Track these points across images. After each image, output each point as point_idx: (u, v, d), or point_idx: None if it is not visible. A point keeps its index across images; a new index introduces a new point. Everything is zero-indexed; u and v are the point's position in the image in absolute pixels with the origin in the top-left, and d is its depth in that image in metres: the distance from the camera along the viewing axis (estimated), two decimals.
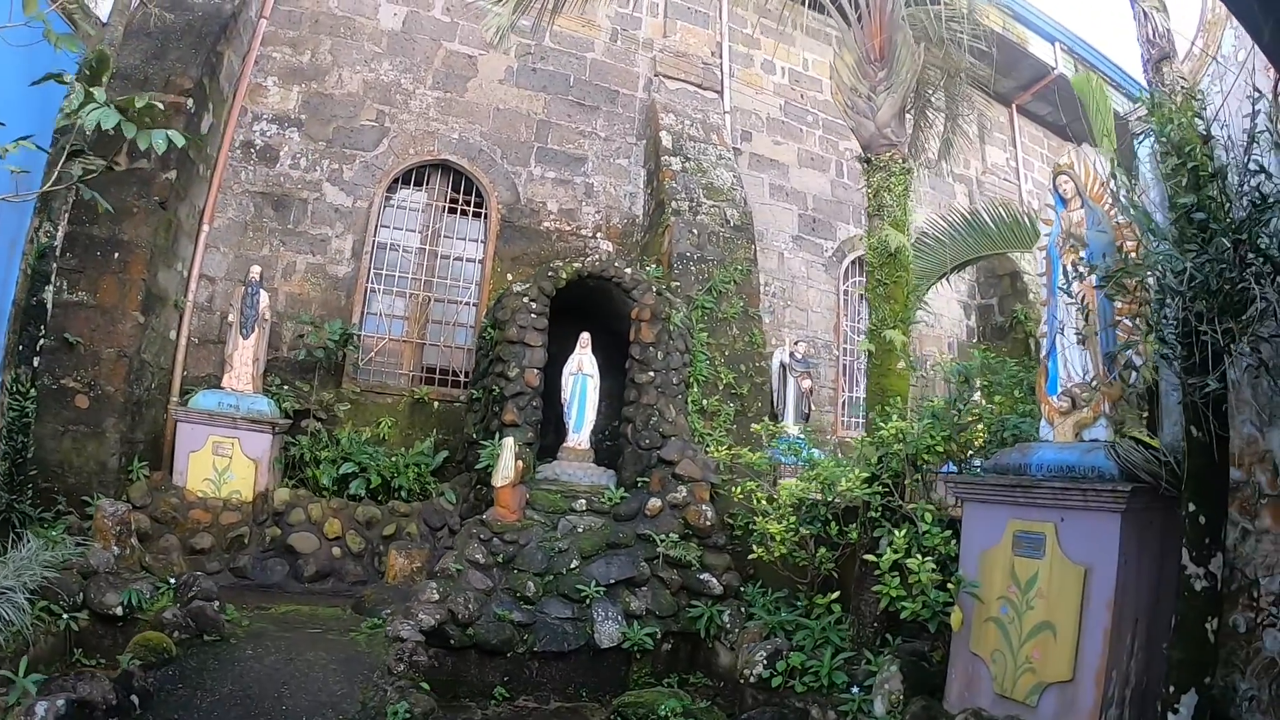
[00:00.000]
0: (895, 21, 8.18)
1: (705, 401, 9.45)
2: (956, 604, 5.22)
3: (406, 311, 10.13)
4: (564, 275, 8.88)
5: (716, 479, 8.12)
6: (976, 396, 7.04)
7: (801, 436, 10.59)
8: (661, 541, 7.71)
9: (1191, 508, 3.87)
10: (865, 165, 8.30)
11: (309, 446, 8.78)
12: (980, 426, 6.40)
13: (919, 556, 5.43)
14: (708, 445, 9.03)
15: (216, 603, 6.73)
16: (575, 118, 11.07)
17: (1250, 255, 3.55)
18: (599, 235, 10.63)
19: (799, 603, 6.92)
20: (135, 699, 5.09)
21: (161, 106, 7.55)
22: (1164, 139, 4.02)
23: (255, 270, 8.85)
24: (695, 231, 10.04)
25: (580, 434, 8.97)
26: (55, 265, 7.51)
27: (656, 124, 10.99)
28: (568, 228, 10.67)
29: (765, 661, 6.29)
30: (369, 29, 10.31)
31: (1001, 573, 5.01)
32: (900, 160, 8.20)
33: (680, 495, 8.15)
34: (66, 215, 7.63)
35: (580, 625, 7.27)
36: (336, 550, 8.45)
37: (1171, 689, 3.85)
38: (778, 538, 6.91)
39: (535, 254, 10.01)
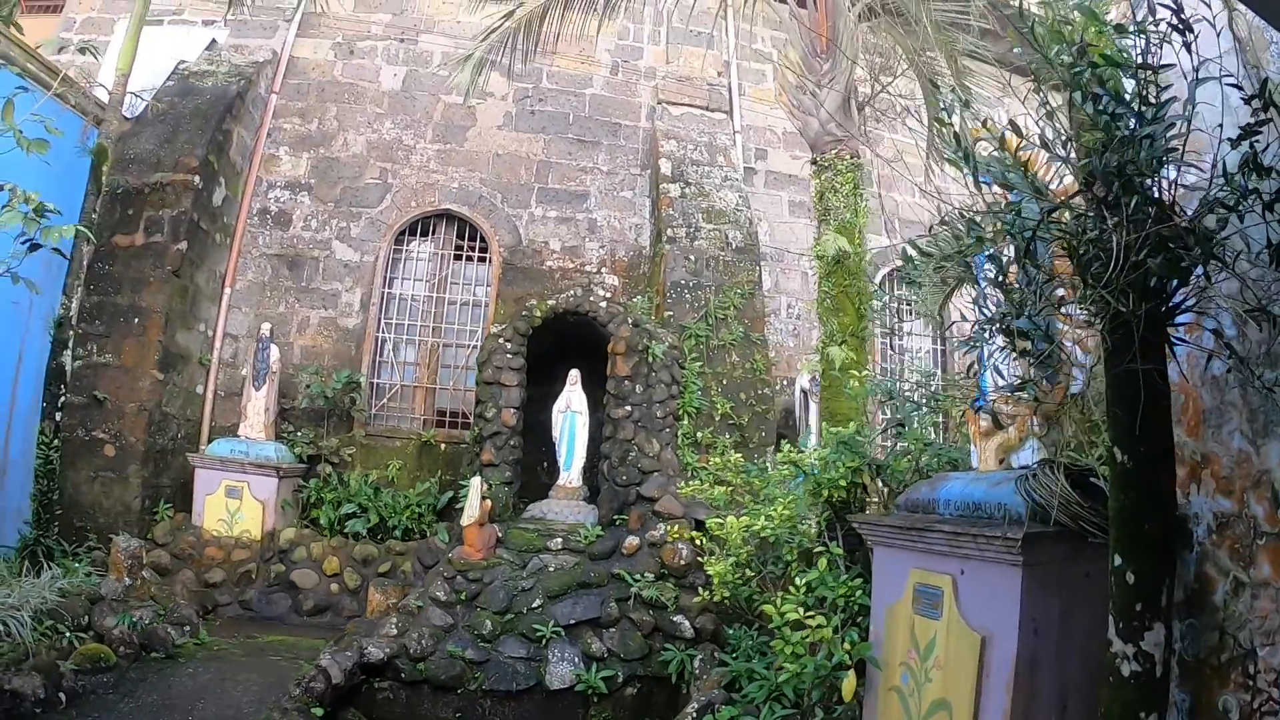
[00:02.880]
0: (839, 6, 8.13)
1: (699, 434, 9.59)
2: (852, 669, 4.82)
3: (417, 358, 11.01)
4: (538, 314, 9.44)
5: (707, 516, 8.08)
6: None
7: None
8: (636, 581, 7.95)
9: (1118, 561, 3.17)
10: (813, 167, 8.31)
11: (317, 489, 9.67)
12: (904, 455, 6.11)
13: (801, 610, 5.24)
14: (701, 480, 9.12)
15: (188, 627, 7.89)
16: (576, 155, 11.75)
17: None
18: (604, 270, 11.14)
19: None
20: (63, 696, 6.16)
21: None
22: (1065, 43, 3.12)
23: (265, 327, 10.02)
24: (692, 258, 10.35)
25: (570, 472, 9.48)
26: (71, 333, 8.79)
27: (657, 152, 11.41)
28: (571, 265, 11.26)
29: (694, 715, 6.20)
30: (371, 92, 11.43)
31: (903, 633, 4.47)
32: (848, 156, 8.21)
33: (659, 533, 8.44)
34: (79, 290, 8.89)
35: (534, 665, 7.66)
36: (334, 586, 9.38)
37: None
38: (716, 580, 6.80)
39: (538, 294, 10.66)
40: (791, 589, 5.60)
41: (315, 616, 9.23)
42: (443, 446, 10.52)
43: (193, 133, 10.22)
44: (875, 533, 4.86)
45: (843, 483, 6.01)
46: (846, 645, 4.89)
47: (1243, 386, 3.35)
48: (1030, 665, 3.63)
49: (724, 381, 10.00)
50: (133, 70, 9.78)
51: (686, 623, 7.60)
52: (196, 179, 9.93)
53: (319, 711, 6.38)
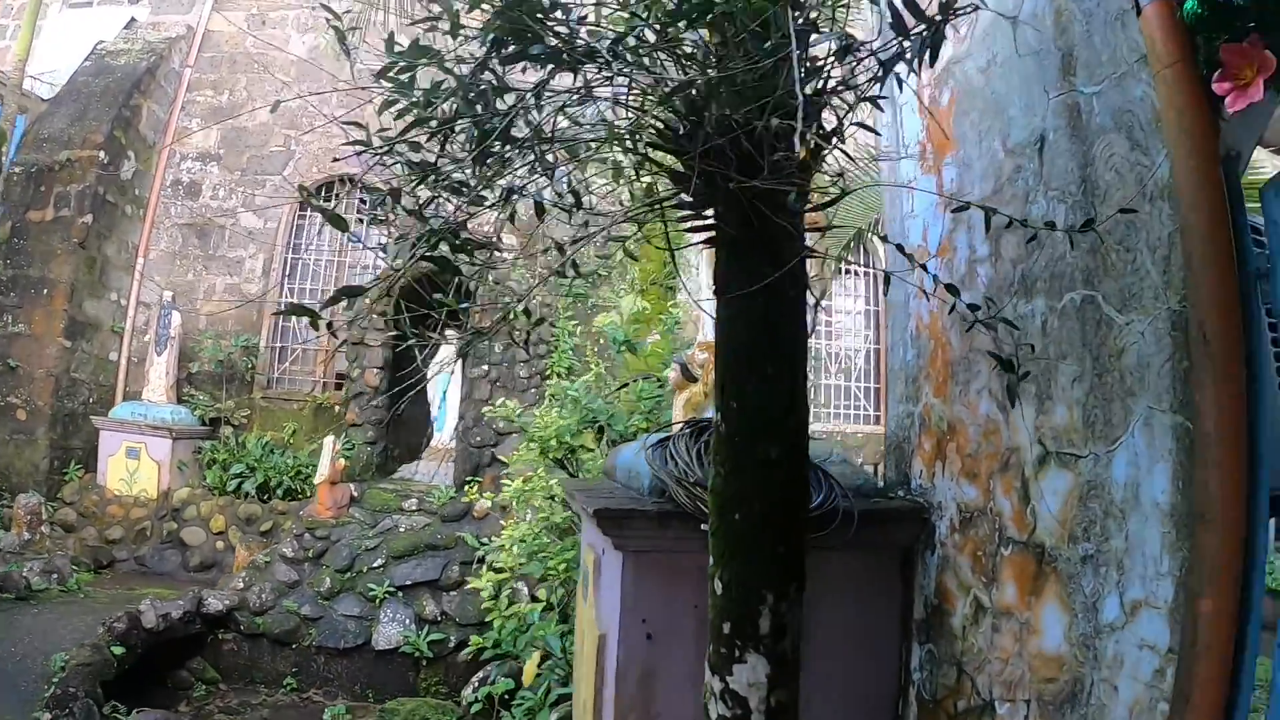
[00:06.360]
0: None
1: None
2: (537, 651, 4.82)
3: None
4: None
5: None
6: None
7: None
8: (481, 545, 8.00)
9: (710, 562, 2.40)
10: None
11: (212, 450, 9.92)
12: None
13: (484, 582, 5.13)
14: None
15: (55, 575, 8.34)
16: None
17: None
18: (504, 230, 10.81)
19: None
20: None
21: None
22: None
23: (167, 294, 10.38)
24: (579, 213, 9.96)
25: (443, 433, 9.39)
26: None
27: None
28: (471, 225, 10.98)
29: (476, 684, 6.44)
30: (280, 61, 11.56)
31: (581, 615, 4.11)
32: None
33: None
34: None
35: (365, 624, 8.01)
36: (220, 544, 9.80)
37: None
38: (507, 544, 6.57)
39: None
40: (501, 556, 5.43)
41: (201, 572, 9.65)
42: (337, 408, 10.73)
43: (100, 110, 10.77)
44: (571, 499, 4.40)
45: (554, 442, 5.75)
46: (536, 625, 4.83)
47: (992, 329, 2.46)
48: (643, 678, 3.03)
49: (600, 341, 9.68)
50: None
51: (525, 590, 7.50)
52: (101, 154, 10.48)
53: (119, 650, 6.84)
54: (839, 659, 3.13)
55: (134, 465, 10.07)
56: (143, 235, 11.15)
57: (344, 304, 2.29)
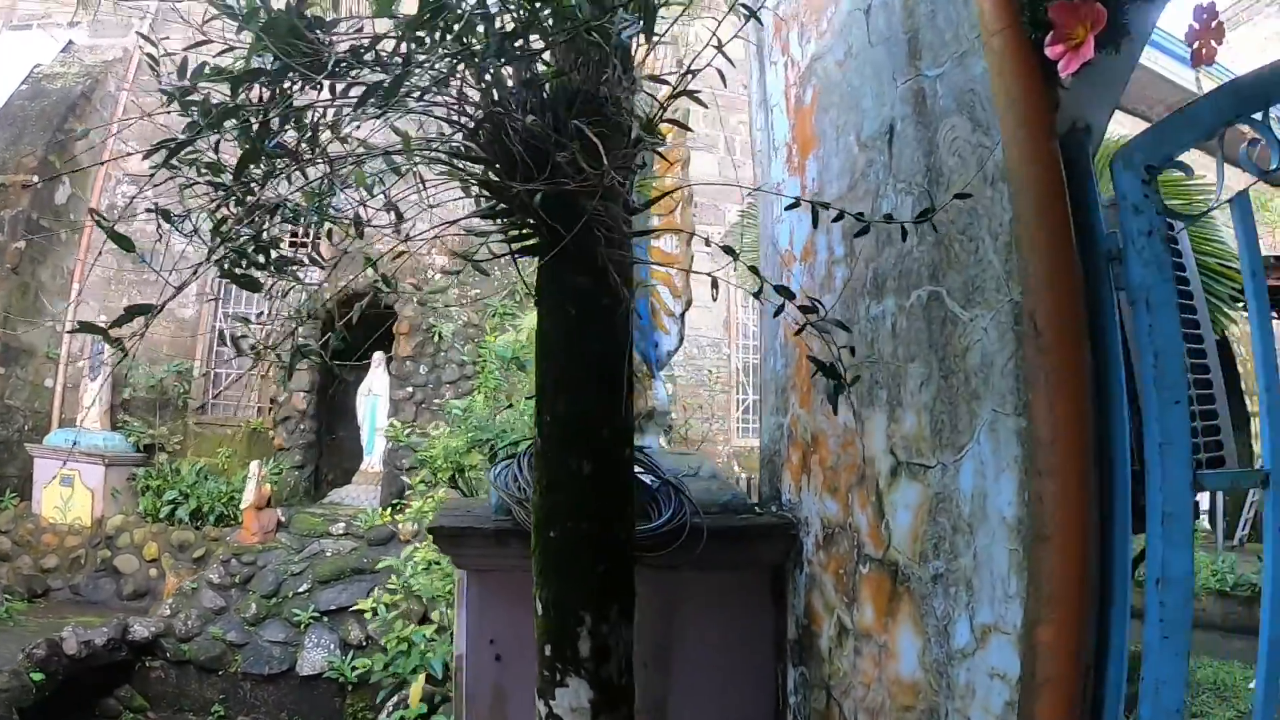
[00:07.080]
0: None
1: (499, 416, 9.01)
2: (423, 674, 4.46)
3: (255, 346, 10.59)
4: (327, 298, 8.97)
5: None
6: None
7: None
8: (406, 569, 7.63)
9: (534, 581, 2.10)
10: None
11: (145, 477, 9.47)
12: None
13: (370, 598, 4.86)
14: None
15: None
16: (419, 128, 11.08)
17: None
18: (433, 251, 10.47)
19: None
20: None
21: None
22: None
23: (101, 319, 9.69)
24: None
25: (372, 456, 9.13)
26: None
27: None
28: (403, 246, 10.64)
29: (390, 709, 6.21)
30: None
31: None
32: None
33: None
34: None
35: (291, 650, 7.59)
36: (153, 571, 9.37)
37: None
38: (406, 570, 6.47)
39: (368, 276, 10.06)
40: (395, 579, 5.12)
41: (135, 600, 9.23)
42: (270, 433, 10.19)
43: (35, 134, 10.36)
44: None
45: (441, 462, 5.46)
46: (421, 646, 4.51)
47: (825, 332, 2.05)
48: (495, 700, 2.87)
49: (527, 360, 9.36)
50: None
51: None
52: (35, 179, 9.98)
53: (38, 676, 6.56)
54: (713, 681, 2.97)
55: (68, 493, 9.58)
56: (78, 260, 10.70)
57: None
